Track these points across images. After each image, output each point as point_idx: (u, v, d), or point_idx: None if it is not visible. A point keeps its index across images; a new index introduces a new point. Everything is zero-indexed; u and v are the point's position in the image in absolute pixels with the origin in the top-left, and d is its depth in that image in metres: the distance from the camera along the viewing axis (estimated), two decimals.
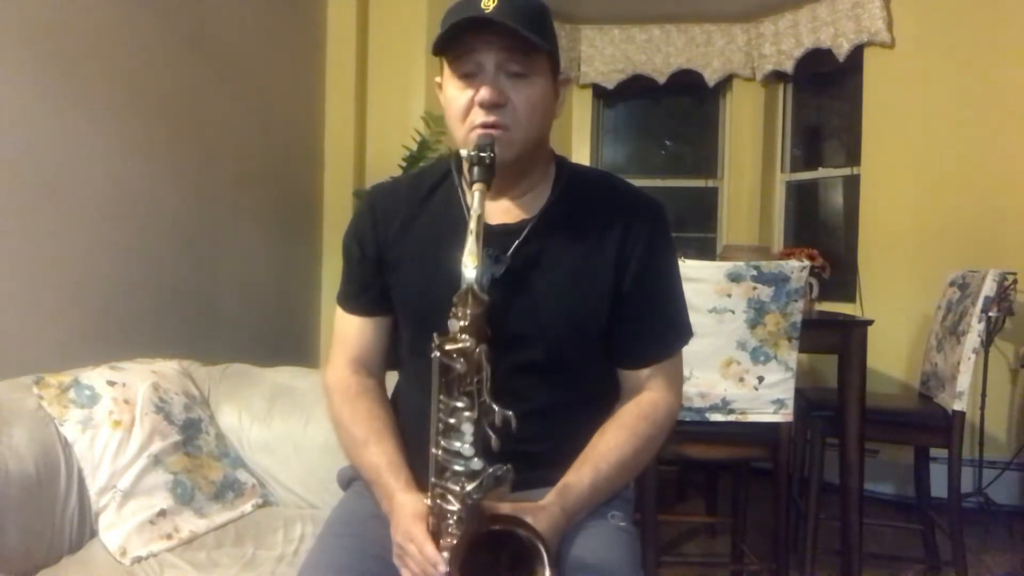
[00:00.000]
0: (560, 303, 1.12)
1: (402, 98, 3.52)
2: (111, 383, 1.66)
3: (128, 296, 2.25)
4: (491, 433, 0.95)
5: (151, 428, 1.64)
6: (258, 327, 3.00)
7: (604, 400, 1.19)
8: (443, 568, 0.96)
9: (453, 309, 0.96)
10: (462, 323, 0.95)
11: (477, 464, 0.95)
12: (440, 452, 0.98)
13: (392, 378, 1.31)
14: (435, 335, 0.96)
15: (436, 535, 0.99)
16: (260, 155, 3.02)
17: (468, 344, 0.95)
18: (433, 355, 0.96)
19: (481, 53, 1.06)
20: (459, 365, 0.95)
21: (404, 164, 3.24)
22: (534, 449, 1.08)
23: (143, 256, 2.32)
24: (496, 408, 0.94)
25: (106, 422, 1.59)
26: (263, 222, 3.05)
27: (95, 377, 1.66)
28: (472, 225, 0.97)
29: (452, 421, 0.97)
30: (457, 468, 0.96)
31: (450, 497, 0.97)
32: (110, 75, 2.16)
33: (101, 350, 1.93)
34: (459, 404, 0.96)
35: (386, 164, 3.32)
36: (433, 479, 0.99)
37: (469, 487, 0.95)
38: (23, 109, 1.88)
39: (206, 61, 2.65)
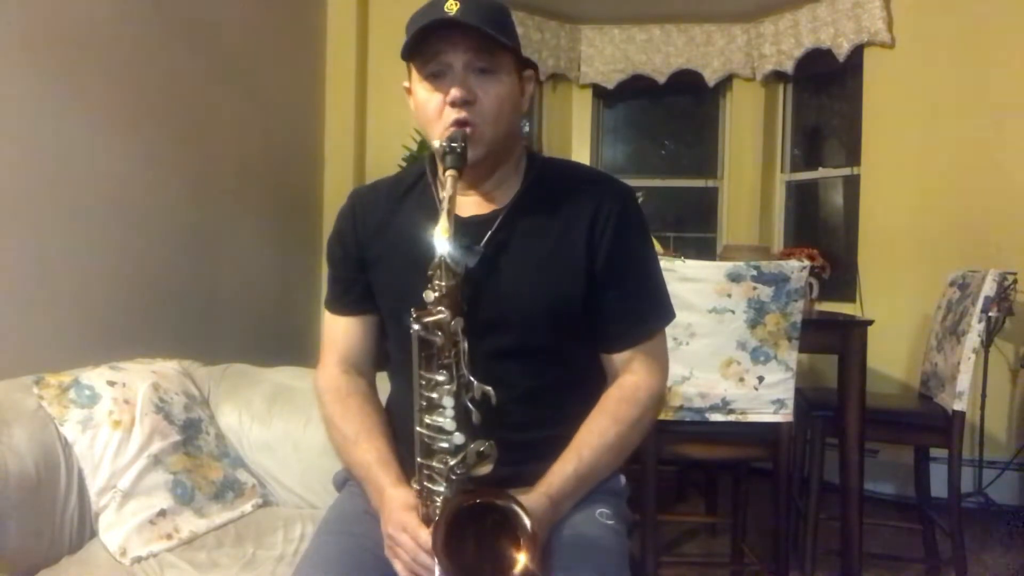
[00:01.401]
0: (535, 288, 1.14)
1: (402, 98, 3.48)
2: (111, 383, 1.66)
3: (128, 296, 2.25)
4: (472, 407, 0.98)
5: (151, 428, 1.64)
6: (258, 327, 3.00)
7: (588, 385, 1.20)
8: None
9: (428, 283, 1.00)
10: (436, 294, 0.99)
11: (459, 438, 0.98)
12: (424, 430, 1.00)
13: (384, 381, 1.32)
14: (412, 309, 1.00)
15: (427, 523, 1.01)
16: (260, 155, 3.02)
17: (444, 316, 0.98)
18: (412, 329, 0.99)
19: (448, 54, 1.10)
20: (437, 337, 0.99)
21: (404, 164, 3.24)
22: (520, 438, 1.09)
23: (143, 256, 2.32)
24: (475, 382, 0.99)
25: (106, 422, 1.59)
26: (263, 222, 3.05)
27: (95, 377, 1.66)
28: (445, 204, 1.02)
29: (433, 396, 1.00)
30: (441, 445, 0.99)
31: (436, 477, 1.00)
32: (110, 75, 2.16)
33: (101, 350, 1.93)
34: (439, 377, 0.99)
35: (386, 164, 3.32)
36: (420, 459, 1.01)
37: (452, 462, 0.98)
38: (23, 109, 1.88)
39: (206, 61, 2.65)
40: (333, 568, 1.07)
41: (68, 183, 2.03)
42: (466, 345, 1.00)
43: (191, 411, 1.78)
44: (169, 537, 1.56)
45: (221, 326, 2.75)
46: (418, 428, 1.01)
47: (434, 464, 1.00)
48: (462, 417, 0.99)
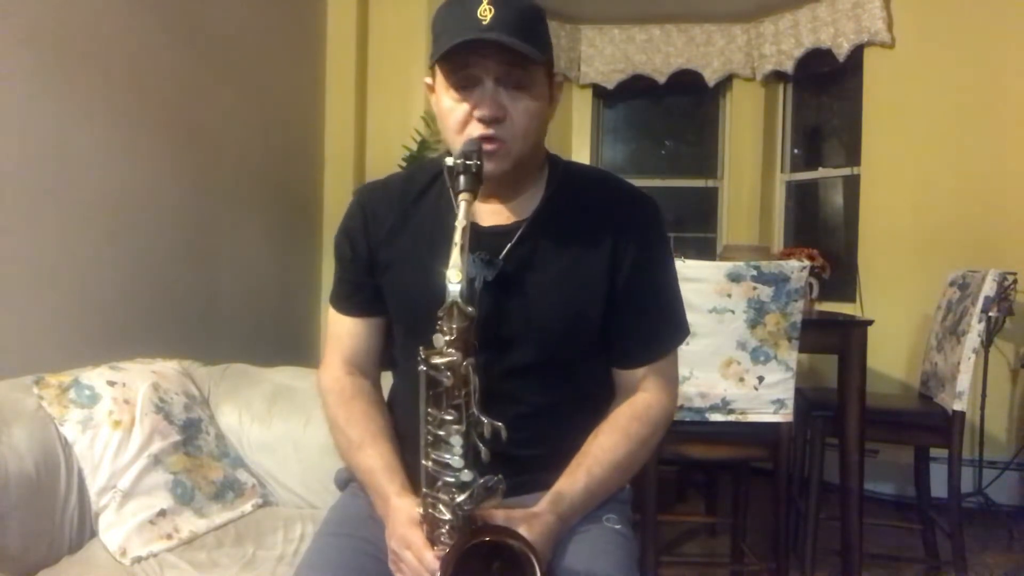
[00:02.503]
0: (554, 304, 1.11)
1: (402, 98, 3.52)
2: (111, 383, 1.65)
3: (128, 296, 2.25)
4: (481, 445, 0.94)
5: (151, 428, 1.64)
6: (258, 327, 3.00)
7: (599, 401, 1.18)
8: None
9: (439, 323, 0.94)
10: (448, 337, 0.93)
11: (467, 476, 0.94)
12: (430, 463, 0.97)
13: (387, 379, 1.31)
14: (421, 348, 0.94)
15: (431, 542, 0.99)
16: (260, 155, 3.02)
17: (455, 358, 0.93)
18: (419, 369, 0.94)
19: (479, 67, 1.04)
20: (446, 379, 0.94)
21: (404, 164, 3.24)
22: (528, 452, 1.08)
23: (143, 256, 2.32)
24: (485, 420, 0.93)
25: (106, 422, 1.59)
26: (263, 222, 3.05)
27: (95, 377, 1.66)
28: (457, 237, 0.94)
29: (441, 433, 0.95)
30: (448, 479, 0.95)
31: (441, 507, 0.97)
32: (110, 75, 2.16)
33: (101, 350, 1.93)
34: (447, 417, 0.95)
35: (386, 164, 3.32)
36: (424, 489, 0.98)
37: (460, 498, 0.94)
38: (23, 109, 1.88)
39: (206, 61, 2.65)
40: (334, 570, 1.07)
41: (68, 183, 2.03)
42: (477, 382, 0.94)
43: (191, 411, 1.78)
44: (169, 537, 1.55)
45: (221, 326, 2.75)
46: (424, 462, 0.97)
47: (440, 496, 0.97)
48: (471, 455, 0.94)
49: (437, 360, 0.93)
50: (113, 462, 1.57)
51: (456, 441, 0.94)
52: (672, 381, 1.20)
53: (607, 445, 1.11)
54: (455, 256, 0.93)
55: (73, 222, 2.05)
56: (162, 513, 1.57)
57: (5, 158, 1.84)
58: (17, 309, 1.88)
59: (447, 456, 0.95)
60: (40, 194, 1.94)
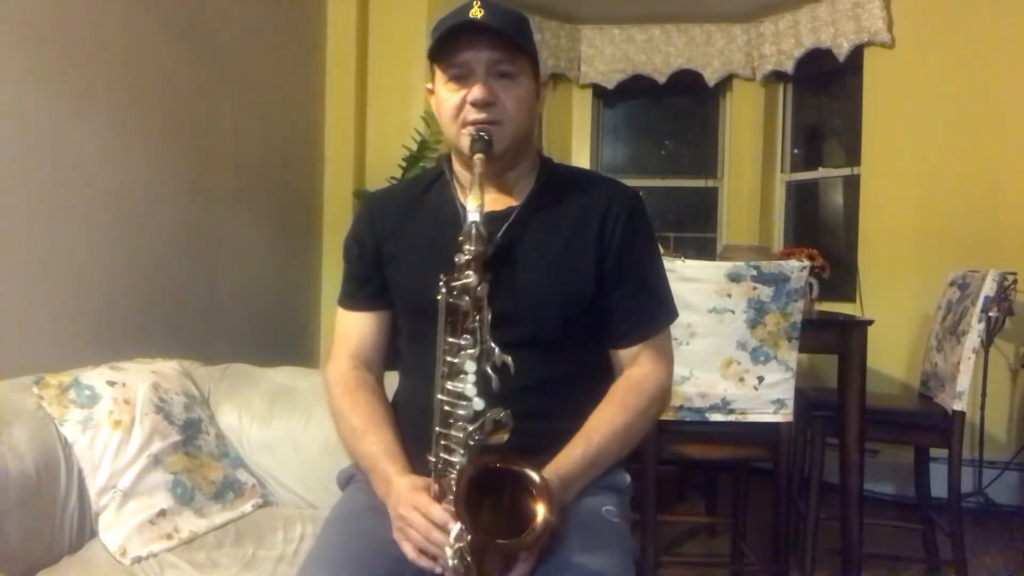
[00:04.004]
0: (547, 281, 1.19)
1: (402, 98, 3.52)
2: (111, 383, 1.65)
3: (128, 296, 2.25)
4: (492, 374, 1.03)
5: (151, 428, 1.64)
6: (258, 327, 3.00)
7: (596, 379, 1.23)
8: (451, 526, 0.99)
9: (459, 246, 1.06)
10: (466, 257, 1.05)
11: (479, 404, 1.02)
12: (445, 397, 1.05)
13: (391, 380, 1.33)
14: (442, 275, 1.06)
15: (440, 499, 1.04)
16: (260, 155, 3.02)
17: (471, 279, 1.04)
18: (439, 295, 1.06)
19: (471, 58, 1.15)
20: (463, 302, 1.05)
21: (404, 164, 3.25)
22: (528, 427, 1.09)
23: (143, 256, 2.32)
24: (496, 348, 1.04)
25: (106, 422, 1.59)
26: (263, 222, 3.05)
27: (95, 377, 1.65)
28: (476, 179, 1.09)
29: (456, 361, 1.05)
30: (460, 412, 1.03)
31: (453, 447, 1.04)
32: (110, 75, 2.16)
33: (101, 350, 1.93)
34: (462, 342, 1.04)
35: (386, 164, 3.32)
36: (438, 428, 1.06)
37: (470, 428, 1.02)
38: (23, 109, 1.88)
39: (206, 61, 2.65)
40: (336, 567, 1.08)
41: (68, 183, 2.03)
42: (489, 315, 1.04)
43: (191, 411, 1.78)
44: (169, 537, 1.55)
45: (221, 326, 2.75)
46: (439, 395, 1.06)
47: (452, 433, 1.04)
48: (482, 383, 1.03)
49: (455, 283, 1.05)
50: (113, 462, 1.56)
51: (470, 367, 1.03)
52: (666, 355, 1.27)
53: (604, 416, 1.18)
54: (475, 190, 1.09)
55: (73, 222, 2.05)
56: (162, 513, 1.57)
57: (5, 158, 1.84)
58: (17, 309, 1.88)
59: (460, 385, 1.04)
60: (40, 194, 1.94)
